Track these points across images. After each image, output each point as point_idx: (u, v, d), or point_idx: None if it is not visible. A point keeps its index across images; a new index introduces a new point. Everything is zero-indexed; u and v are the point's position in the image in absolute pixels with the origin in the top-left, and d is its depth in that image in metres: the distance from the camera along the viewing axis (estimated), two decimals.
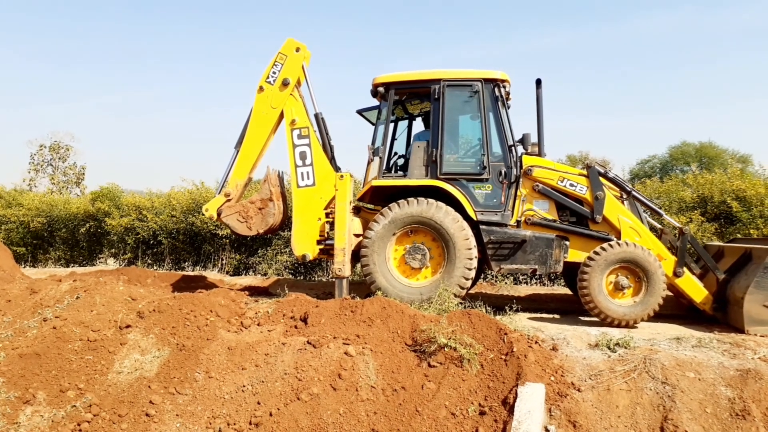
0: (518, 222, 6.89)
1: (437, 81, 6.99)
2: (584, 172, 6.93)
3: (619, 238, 6.71)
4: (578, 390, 4.81)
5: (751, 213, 8.97)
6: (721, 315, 6.58)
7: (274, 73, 7.41)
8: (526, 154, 6.97)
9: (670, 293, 7.09)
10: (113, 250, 13.36)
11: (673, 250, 6.83)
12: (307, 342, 5.19)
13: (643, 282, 6.42)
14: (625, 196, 7.12)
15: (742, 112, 78.77)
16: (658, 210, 7.21)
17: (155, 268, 12.22)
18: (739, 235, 8.83)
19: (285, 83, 7.36)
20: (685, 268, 6.70)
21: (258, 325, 5.76)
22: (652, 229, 7.21)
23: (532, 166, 6.91)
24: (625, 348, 5.36)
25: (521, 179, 6.93)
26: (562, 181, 6.89)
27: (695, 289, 6.71)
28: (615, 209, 6.83)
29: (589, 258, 6.50)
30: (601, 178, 6.90)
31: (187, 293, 6.35)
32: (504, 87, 7.05)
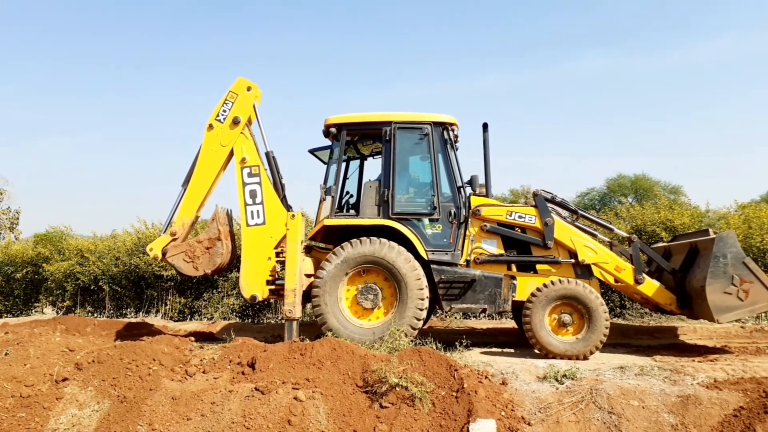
0: (467, 261, 7.01)
1: (388, 123, 7.14)
2: (532, 201, 7.15)
3: (576, 258, 6.90)
4: (528, 424, 4.86)
5: None
6: (688, 312, 6.77)
7: (225, 111, 7.37)
8: (474, 195, 7.16)
9: (610, 322, 7.31)
10: (51, 298, 12.67)
11: (628, 259, 7.05)
12: (255, 388, 5.04)
13: (585, 319, 6.58)
14: (574, 217, 7.39)
15: (672, 146, 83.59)
16: (608, 225, 7.52)
17: (96, 315, 11.64)
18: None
19: (235, 121, 7.34)
20: (644, 274, 6.92)
21: (203, 372, 5.57)
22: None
23: (480, 206, 7.10)
24: (572, 379, 5.47)
25: (470, 219, 7.09)
26: (510, 215, 7.08)
27: (658, 292, 6.92)
28: (566, 231, 7.03)
29: (532, 294, 6.68)
30: (548, 204, 7.13)
31: (128, 341, 6.10)
32: (452, 130, 7.27)
